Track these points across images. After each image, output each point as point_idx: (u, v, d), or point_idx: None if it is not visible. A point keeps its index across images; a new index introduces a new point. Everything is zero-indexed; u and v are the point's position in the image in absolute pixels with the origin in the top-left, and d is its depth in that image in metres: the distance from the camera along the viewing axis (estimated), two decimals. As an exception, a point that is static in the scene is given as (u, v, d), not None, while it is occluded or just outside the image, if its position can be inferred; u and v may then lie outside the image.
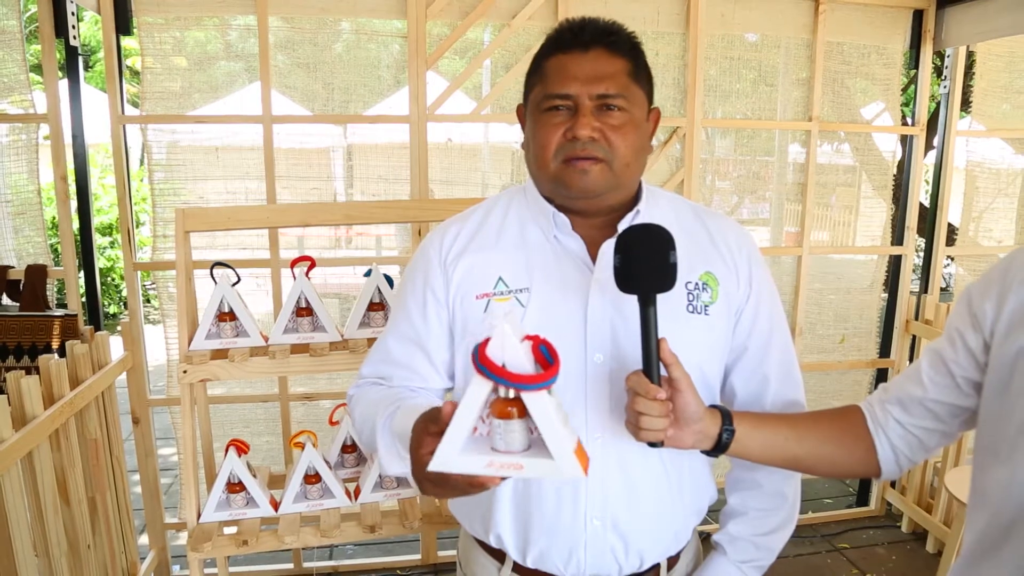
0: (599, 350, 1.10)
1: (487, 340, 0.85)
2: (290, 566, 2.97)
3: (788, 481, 1.24)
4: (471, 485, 0.88)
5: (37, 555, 1.88)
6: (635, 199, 1.18)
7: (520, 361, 0.83)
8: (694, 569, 1.28)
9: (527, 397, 0.83)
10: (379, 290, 1.96)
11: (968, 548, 0.97)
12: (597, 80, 1.07)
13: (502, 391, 0.84)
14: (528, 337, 0.87)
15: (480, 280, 1.15)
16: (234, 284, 1.90)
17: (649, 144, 1.17)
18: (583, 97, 1.07)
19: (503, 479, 0.87)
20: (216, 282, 1.87)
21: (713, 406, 1.08)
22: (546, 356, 0.86)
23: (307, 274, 1.93)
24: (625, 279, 1.00)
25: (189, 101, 2.64)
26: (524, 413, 0.85)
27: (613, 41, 1.10)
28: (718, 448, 1.07)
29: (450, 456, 0.85)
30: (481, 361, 0.83)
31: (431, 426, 0.91)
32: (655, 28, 2.86)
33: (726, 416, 1.07)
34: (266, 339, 1.94)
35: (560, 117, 1.09)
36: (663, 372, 1.00)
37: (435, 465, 0.85)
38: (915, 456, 1.08)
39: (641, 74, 1.13)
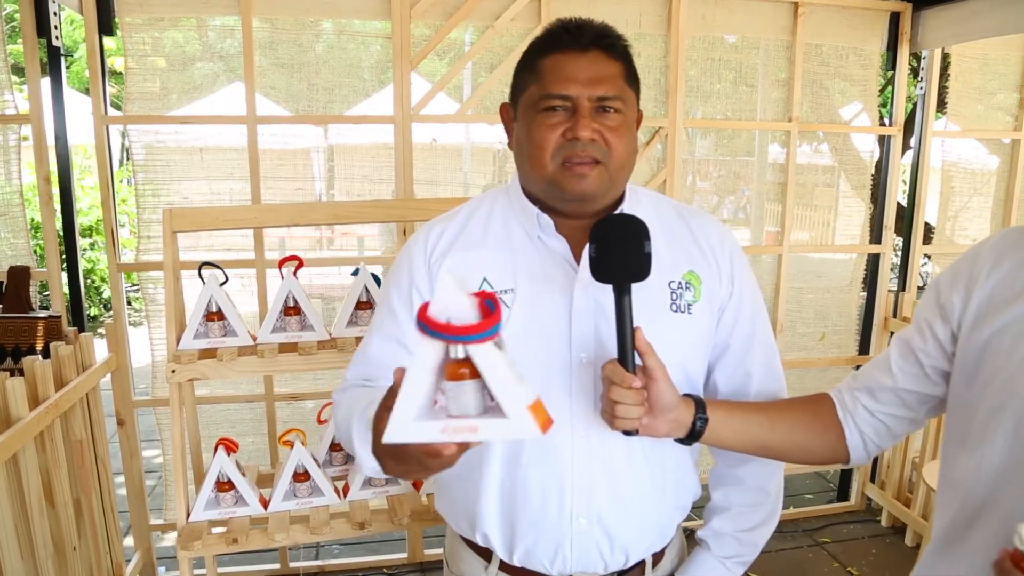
0: (584, 349, 1.12)
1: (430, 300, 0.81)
2: (277, 566, 2.97)
3: (771, 477, 1.26)
4: (427, 454, 0.84)
5: (23, 557, 1.88)
6: (619, 199, 1.19)
7: (465, 316, 0.79)
8: (679, 565, 1.30)
9: (473, 351, 0.79)
10: (367, 289, 1.97)
11: (938, 534, 1.00)
12: (596, 82, 1.07)
13: (452, 352, 0.80)
14: (475, 295, 0.83)
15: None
16: (222, 284, 1.90)
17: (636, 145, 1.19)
18: (583, 99, 1.07)
19: (461, 448, 0.84)
20: (204, 282, 1.88)
21: (687, 395, 1.09)
22: (490, 309, 0.82)
23: (295, 274, 1.93)
24: (600, 269, 1.02)
25: (169, 102, 2.63)
26: (477, 374, 0.80)
27: (610, 44, 1.10)
28: (692, 436, 1.09)
29: (403, 425, 0.80)
30: (421, 318, 0.79)
31: (388, 401, 0.88)
32: (637, 30, 2.89)
33: (699, 404, 1.09)
34: (254, 338, 1.94)
35: (558, 118, 1.08)
36: (638, 361, 1.01)
37: (388, 435, 0.80)
38: (882, 442, 1.11)
39: (632, 77, 1.14)
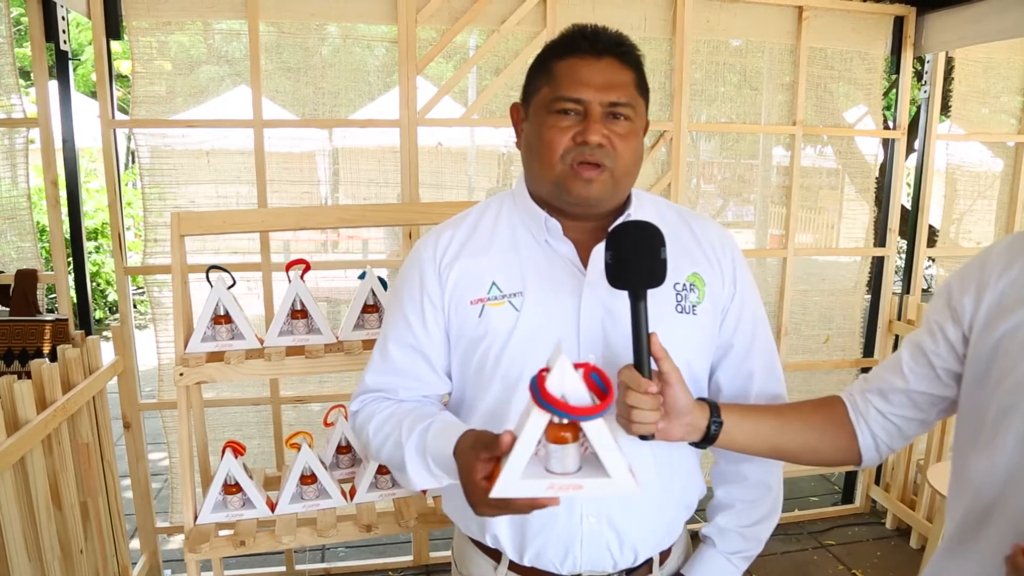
0: (592, 351, 1.13)
1: (544, 373, 0.88)
2: (282, 568, 2.97)
3: (771, 472, 1.28)
4: (532, 506, 0.92)
5: (30, 559, 1.88)
6: (624, 203, 1.20)
7: (579, 392, 0.88)
8: (684, 562, 1.31)
9: (587, 426, 0.88)
10: (373, 292, 1.97)
11: (949, 535, 1.01)
12: (609, 88, 1.09)
13: (556, 418, 0.88)
14: (578, 365, 0.90)
15: (474, 285, 1.17)
16: (230, 287, 1.91)
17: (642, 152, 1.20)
18: (594, 104, 1.09)
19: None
20: (212, 285, 1.88)
21: (701, 399, 1.11)
22: (598, 383, 0.91)
23: (302, 277, 1.94)
24: (617, 275, 1.03)
25: (175, 105, 2.65)
26: (577, 436, 0.89)
27: (624, 52, 1.13)
28: (706, 440, 1.10)
29: (512, 482, 0.90)
30: (544, 397, 0.86)
31: (483, 452, 0.94)
32: (642, 34, 2.90)
33: (714, 408, 1.10)
34: (261, 341, 1.95)
35: (569, 120, 1.10)
36: (653, 366, 1.02)
37: (498, 492, 0.89)
38: (894, 443, 1.12)
39: (643, 86, 1.16)
